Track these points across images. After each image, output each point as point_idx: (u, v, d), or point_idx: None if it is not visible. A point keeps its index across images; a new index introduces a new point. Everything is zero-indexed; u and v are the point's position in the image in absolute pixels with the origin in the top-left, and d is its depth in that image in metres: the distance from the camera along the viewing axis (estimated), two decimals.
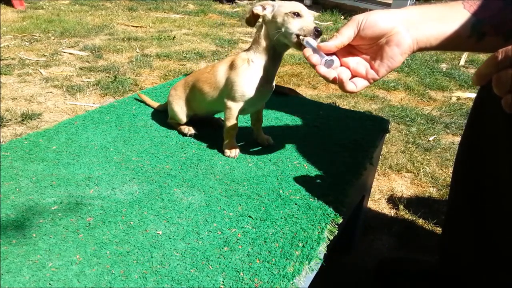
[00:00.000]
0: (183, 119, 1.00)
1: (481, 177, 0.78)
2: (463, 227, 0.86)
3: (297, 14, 0.79)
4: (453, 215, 0.91)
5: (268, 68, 0.87)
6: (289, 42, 0.80)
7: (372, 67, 0.69)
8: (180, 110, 1.00)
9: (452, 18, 0.68)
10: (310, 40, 0.74)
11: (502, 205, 0.73)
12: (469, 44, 0.69)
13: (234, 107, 0.88)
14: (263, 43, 0.85)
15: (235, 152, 0.91)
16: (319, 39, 0.76)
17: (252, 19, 0.86)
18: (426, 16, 0.68)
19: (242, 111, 0.91)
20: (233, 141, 0.93)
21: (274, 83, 0.92)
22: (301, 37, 0.76)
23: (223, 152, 0.92)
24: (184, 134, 1.00)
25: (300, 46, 0.77)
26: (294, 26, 0.78)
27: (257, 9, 0.84)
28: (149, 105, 1.16)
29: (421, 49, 0.69)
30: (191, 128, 1.01)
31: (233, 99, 0.88)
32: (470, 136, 0.84)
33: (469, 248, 0.84)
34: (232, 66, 0.88)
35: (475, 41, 0.68)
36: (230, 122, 0.90)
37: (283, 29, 0.79)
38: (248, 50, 0.88)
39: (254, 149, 0.96)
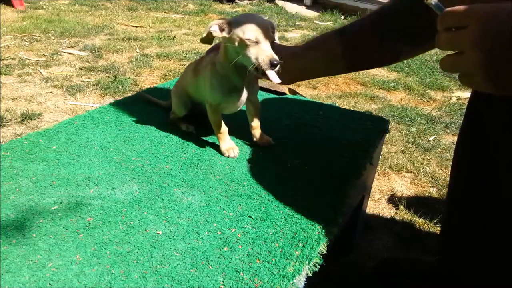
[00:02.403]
0: (183, 110, 1.01)
1: (481, 167, 0.78)
2: (463, 223, 0.85)
3: (254, 41, 0.76)
4: (452, 209, 0.91)
5: (232, 79, 0.86)
6: (248, 66, 0.79)
7: None
8: (179, 100, 1.01)
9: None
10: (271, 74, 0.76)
11: (503, 194, 0.72)
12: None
13: (209, 104, 0.90)
14: (225, 58, 0.84)
15: (233, 153, 0.91)
16: (276, 68, 0.76)
17: (208, 38, 0.81)
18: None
19: (224, 110, 0.92)
20: (227, 140, 0.93)
21: (251, 89, 0.90)
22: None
23: (221, 153, 0.92)
24: (183, 131, 1.01)
25: (257, 71, 0.77)
26: (251, 54, 0.76)
27: (214, 30, 0.79)
28: (154, 103, 1.16)
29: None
30: (190, 125, 1.02)
31: (207, 97, 0.90)
32: (469, 127, 0.83)
33: (470, 246, 0.83)
34: (205, 65, 0.90)
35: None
36: (210, 117, 0.92)
37: (241, 55, 0.78)
38: (216, 54, 0.87)
39: (254, 149, 0.96)
